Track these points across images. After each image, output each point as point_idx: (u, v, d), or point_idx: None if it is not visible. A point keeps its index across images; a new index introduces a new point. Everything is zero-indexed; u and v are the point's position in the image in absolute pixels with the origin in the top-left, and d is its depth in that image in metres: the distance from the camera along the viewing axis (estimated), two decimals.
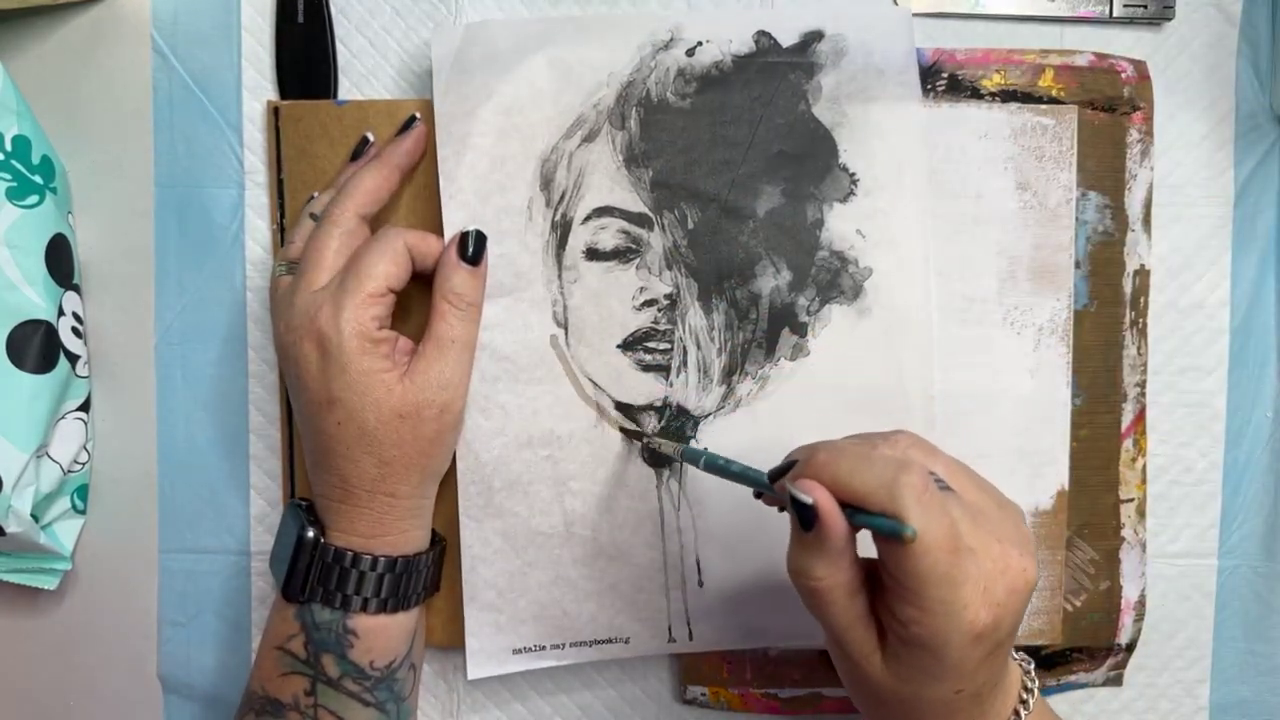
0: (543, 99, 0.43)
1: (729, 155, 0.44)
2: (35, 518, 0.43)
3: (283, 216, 0.45)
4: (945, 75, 0.46)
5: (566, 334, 0.44)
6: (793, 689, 0.47)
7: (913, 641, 0.32)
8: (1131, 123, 0.46)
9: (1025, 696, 0.36)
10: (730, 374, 0.44)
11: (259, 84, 0.47)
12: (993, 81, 0.46)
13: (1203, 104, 0.48)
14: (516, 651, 0.45)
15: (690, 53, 0.44)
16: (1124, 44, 0.47)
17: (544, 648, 0.45)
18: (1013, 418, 0.46)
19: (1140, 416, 0.47)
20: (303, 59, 0.46)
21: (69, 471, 0.45)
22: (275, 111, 0.45)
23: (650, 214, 0.44)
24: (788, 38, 0.44)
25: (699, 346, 0.44)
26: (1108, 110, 0.46)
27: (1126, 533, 0.47)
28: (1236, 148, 0.48)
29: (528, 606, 0.44)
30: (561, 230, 0.43)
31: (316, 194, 0.44)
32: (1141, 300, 0.47)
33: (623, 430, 0.44)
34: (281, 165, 0.45)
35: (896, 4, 0.47)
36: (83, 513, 0.47)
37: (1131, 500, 0.47)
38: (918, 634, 0.31)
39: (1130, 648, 0.48)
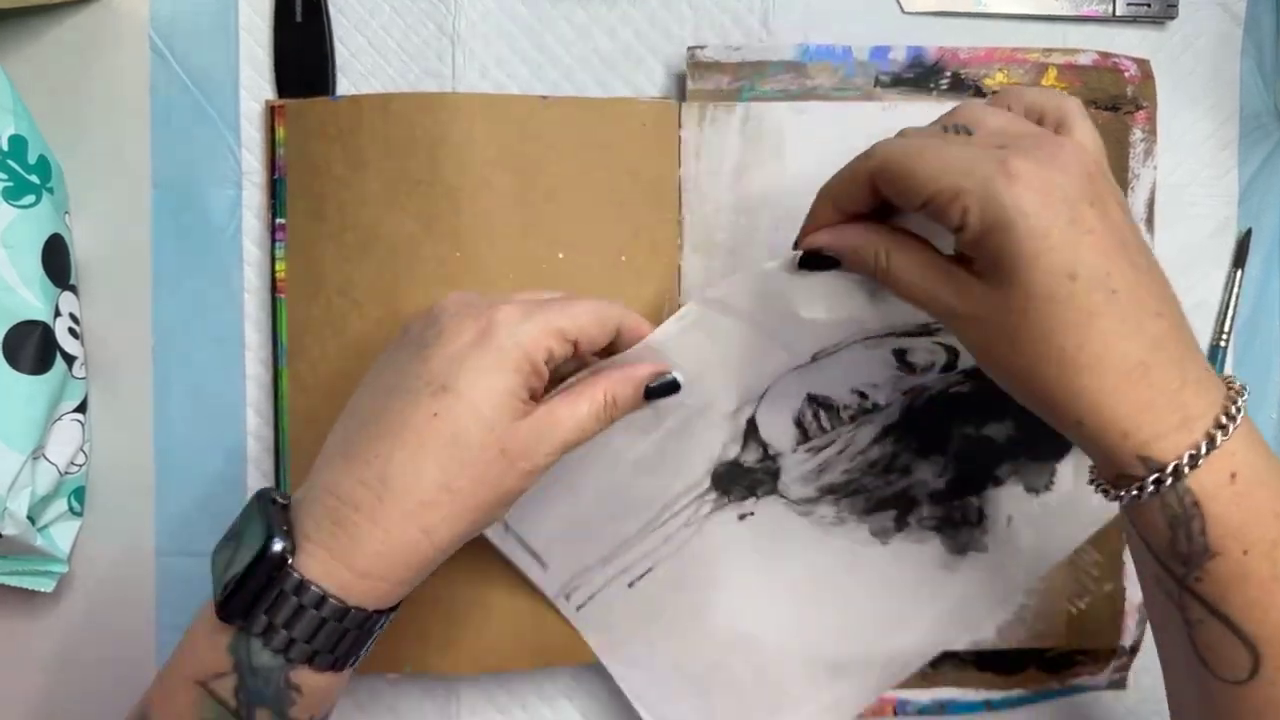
0: None
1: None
2: (31, 520, 0.43)
3: (279, 216, 0.45)
4: (948, 74, 0.45)
5: (809, 363, 0.43)
6: None
7: (978, 233, 0.31)
8: (1135, 122, 0.46)
9: (1242, 389, 0.32)
10: (831, 492, 0.45)
11: (257, 83, 0.46)
12: (996, 80, 0.46)
13: (1207, 103, 0.48)
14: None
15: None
16: (1127, 43, 0.47)
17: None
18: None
19: None
20: (301, 58, 0.46)
21: (66, 473, 0.45)
22: (273, 111, 0.45)
23: (944, 356, 0.43)
24: None
25: (840, 452, 0.44)
26: (1111, 109, 0.46)
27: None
28: (1240, 147, 0.48)
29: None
30: (920, 330, 0.41)
31: None
32: None
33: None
34: (279, 165, 0.45)
35: (903, 10, 0.47)
36: (79, 515, 0.47)
37: None
38: (974, 221, 0.31)
39: (1134, 650, 0.47)
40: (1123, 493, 0.32)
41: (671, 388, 0.38)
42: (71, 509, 0.46)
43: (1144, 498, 0.31)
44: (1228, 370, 0.48)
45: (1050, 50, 0.46)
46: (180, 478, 0.47)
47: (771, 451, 0.44)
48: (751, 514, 0.44)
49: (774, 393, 0.43)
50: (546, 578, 0.44)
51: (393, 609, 0.35)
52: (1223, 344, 0.48)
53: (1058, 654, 0.47)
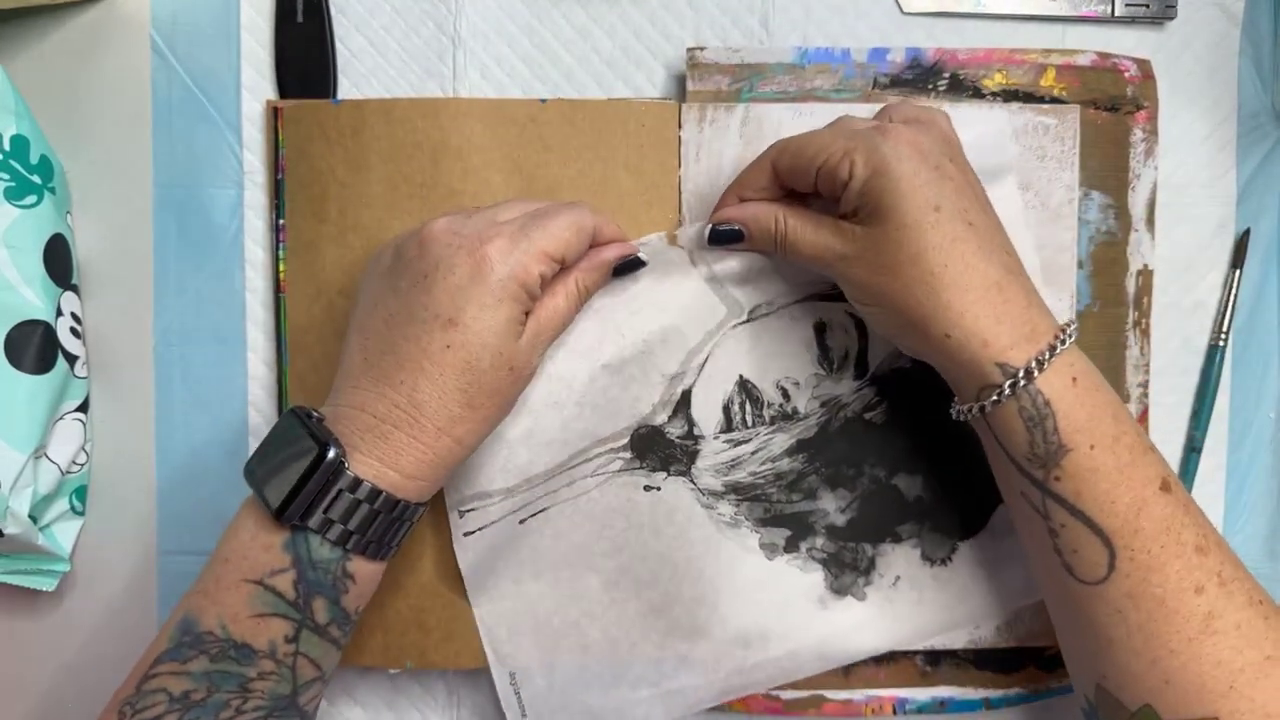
0: None
1: (940, 431, 0.43)
2: (33, 519, 0.43)
3: (281, 217, 0.45)
4: (947, 75, 0.45)
5: (745, 321, 0.44)
6: (794, 690, 0.46)
7: (864, 180, 0.37)
8: (1135, 122, 0.46)
9: (1048, 351, 0.36)
10: (734, 492, 0.45)
11: (258, 84, 0.46)
12: (994, 81, 0.46)
13: (1205, 104, 0.48)
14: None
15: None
16: (1126, 43, 0.47)
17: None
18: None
19: (1143, 417, 0.47)
20: (302, 59, 0.46)
21: (67, 472, 0.45)
22: (274, 112, 0.45)
23: (871, 373, 0.45)
24: None
25: (753, 454, 0.45)
26: (1110, 110, 0.46)
27: None
28: (1239, 147, 0.48)
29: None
30: (838, 292, 0.42)
31: None
32: (1144, 300, 0.47)
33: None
34: (280, 165, 0.45)
35: (902, 10, 0.47)
36: (81, 514, 0.47)
37: None
38: (860, 169, 0.37)
39: None
40: (985, 403, 0.37)
41: (637, 263, 0.42)
42: (73, 508, 0.46)
43: (1003, 401, 0.36)
44: (1227, 370, 0.48)
45: (1049, 51, 0.46)
46: (182, 477, 0.47)
47: (696, 432, 0.44)
48: (658, 489, 0.44)
49: (711, 367, 0.44)
50: (452, 494, 0.44)
51: (426, 502, 0.39)
52: (1221, 344, 0.48)
53: (1056, 652, 0.47)
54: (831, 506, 0.45)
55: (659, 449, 0.44)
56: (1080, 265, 0.46)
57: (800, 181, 0.40)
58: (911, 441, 0.42)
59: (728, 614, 0.45)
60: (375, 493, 0.36)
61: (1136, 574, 0.36)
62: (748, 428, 0.45)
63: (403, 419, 0.36)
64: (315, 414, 0.37)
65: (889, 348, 0.45)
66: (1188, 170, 0.48)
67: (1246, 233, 0.48)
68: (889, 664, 0.47)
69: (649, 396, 0.44)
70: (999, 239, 0.37)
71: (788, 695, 0.46)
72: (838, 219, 0.39)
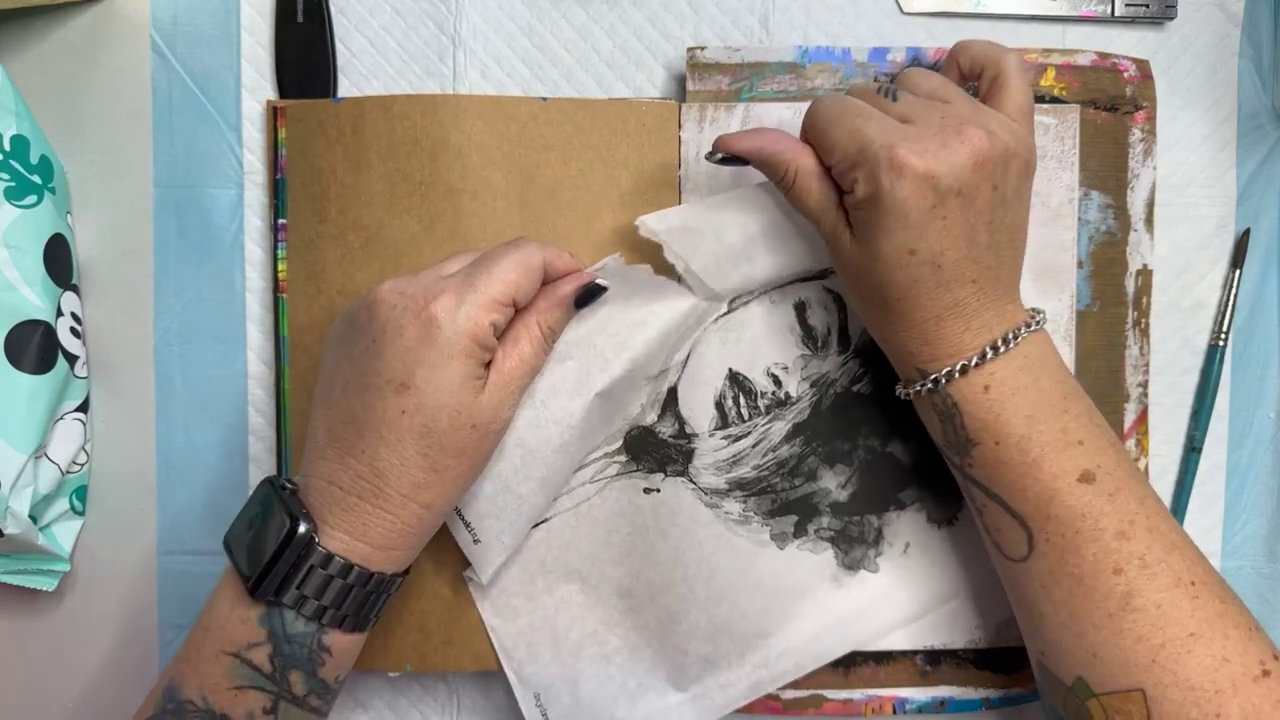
0: None
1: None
2: (34, 519, 0.43)
3: (281, 216, 0.45)
4: None
5: (724, 317, 0.44)
6: (794, 690, 0.46)
7: (860, 200, 0.37)
8: (1134, 122, 0.46)
9: (1020, 330, 0.38)
10: (739, 488, 0.45)
11: (258, 84, 0.46)
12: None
13: (1205, 104, 0.48)
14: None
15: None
16: (1126, 43, 0.47)
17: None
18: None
19: (1143, 417, 0.47)
20: (302, 59, 0.46)
21: (67, 472, 0.45)
22: (275, 111, 0.45)
23: (853, 346, 0.45)
24: None
25: (753, 447, 0.45)
26: (1110, 110, 0.46)
27: None
28: (1239, 147, 0.48)
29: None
30: (815, 272, 0.44)
31: None
32: (1144, 300, 0.47)
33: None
34: (280, 165, 0.45)
35: (902, 10, 0.47)
36: (81, 514, 0.47)
37: None
38: (861, 190, 0.37)
39: None
40: (908, 390, 0.40)
41: (597, 291, 0.40)
42: (73, 508, 0.46)
43: (921, 394, 0.39)
44: (1227, 370, 0.48)
45: (1049, 51, 0.46)
46: (182, 477, 0.47)
47: (688, 429, 0.44)
48: (657, 490, 0.44)
49: (695, 363, 0.44)
50: (480, 553, 0.43)
51: (407, 570, 0.39)
52: (1221, 344, 0.48)
53: None
54: (832, 484, 0.45)
55: (652, 450, 0.44)
56: (1080, 265, 0.46)
57: (823, 156, 0.39)
58: (901, 407, 0.42)
59: (747, 608, 0.45)
60: (347, 567, 0.36)
61: (1053, 554, 0.38)
62: (744, 421, 0.45)
63: (366, 489, 0.36)
64: (289, 485, 0.38)
65: None
66: (1188, 170, 0.48)
67: (1246, 233, 0.48)
68: (889, 664, 0.47)
69: (636, 399, 0.44)
70: (969, 271, 0.37)
71: (788, 695, 0.46)
72: (840, 208, 0.39)
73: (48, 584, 0.46)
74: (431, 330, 0.36)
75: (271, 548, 0.36)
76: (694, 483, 0.45)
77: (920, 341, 0.38)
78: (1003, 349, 0.38)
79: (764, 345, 0.45)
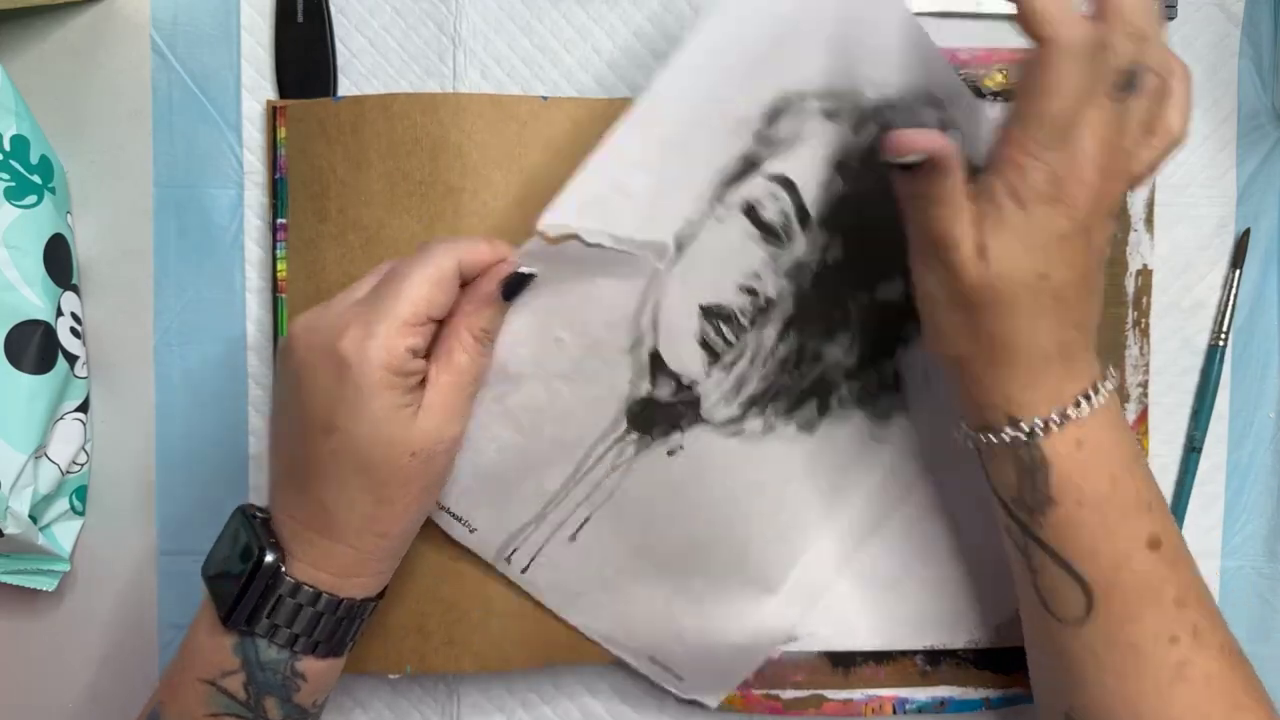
0: (819, 46, 0.40)
1: (891, 229, 0.41)
2: (34, 519, 0.43)
3: (281, 216, 0.45)
4: None
5: (676, 259, 0.41)
6: (795, 690, 0.46)
7: (1022, 188, 0.34)
8: None
9: (1107, 382, 0.37)
10: (753, 404, 0.44)
11: (258, 84, 0.46)
12: (995, 81, 0.46)
13: (1205, 104, 0.48)
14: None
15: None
16: None
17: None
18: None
19: (1143, 417, 0.47)
20: (302, 59, 0.46)
21: (67, 472, 0.45)
22: (274, 111, 0.45)
23: (814, 220, 0.43)
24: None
25: (751, 362, 0.44)
26: None
27: None
28: (1239, 148, 0.48)
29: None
30: (745, 167, 0.41)
31: None
32: (1144, 300, 0.47)
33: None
34: (280, 165, 0.45)
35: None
36: (81, 514, 0.47)
37: None
38: (1034, 172, 0.34)
39: None
40: (984, 439, 0.37)
41: (523, 279, 0.37)
42: (73, 508, 0.46)
43: (1004, 446, 0.37)
44: (1227, 370, 0.48)
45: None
46: (182, 477, 0.47)
47: (686, 381, 0.43)
48: (681, 448, 0.43)
49: (666, 317, 0.42)
50: (478, 541, 0.43)
51: (380, 595, 0.39)
52: (1221, 344, 0.48)
53: None
54: (839, 354, 0.45)
55: (659, 416, 0.43)
56: None
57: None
58: (879, 251, 0.41)
59: (806, 499, 0.45)
60: (315, 595, 0.36)
61: (1113, 621, 0.36)
62: (734, 345, 0.43)
63: (320, 524, 0.36)
64: (260, 514, 0.38)
65: (823, 186, 0.42)
66: (1188, 170, 0.48)
67: (1246, 233, 0.48)
68: (889, 664, 0.47)
69: (621, 376, 0.42)
70: (1073, 313, 0.36)
71: (788, 695, 0.46)
72: (971, 244, 0.36)
73: (47, 584, 0.46)
74: (343, 370, 0.34)
75: (241, 578, 0.36)
76: (710, 422, 0.44)
77: (1022, 385, 0.36)
78: (1095, 401, 0.36)
79: (727, 266, 0.42)
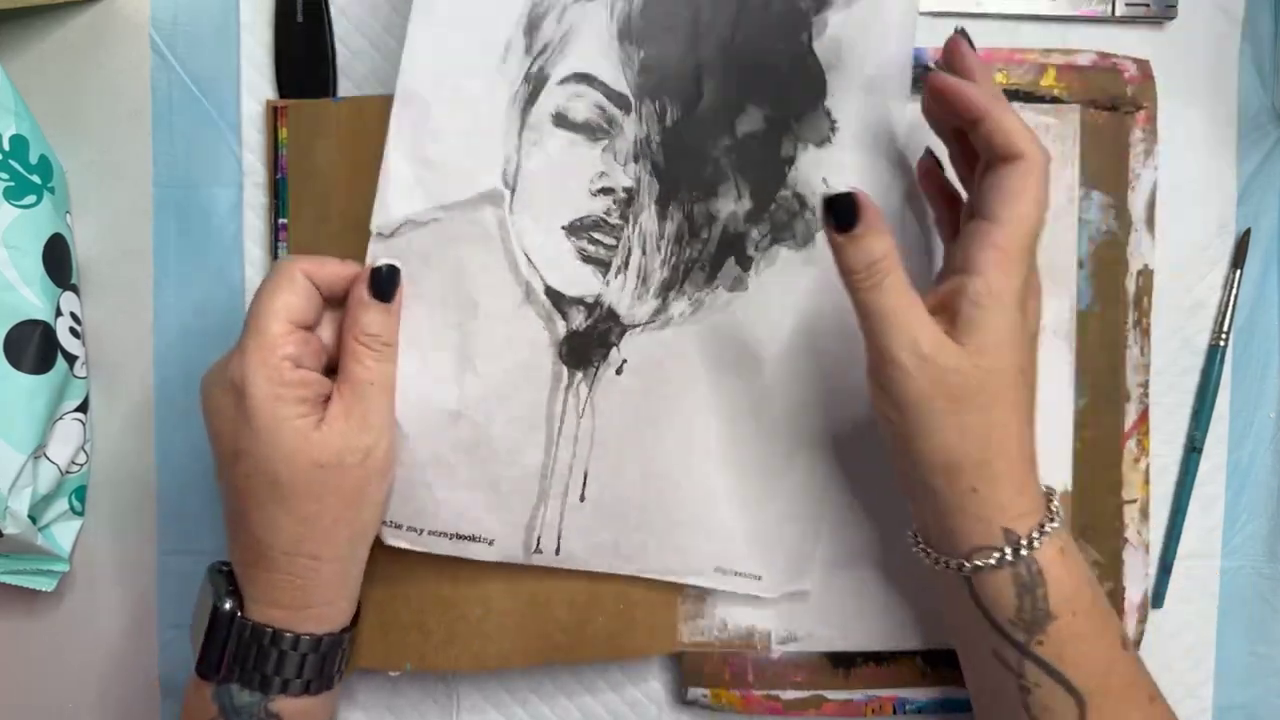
0: None
1: (722, 62, 0.42)
2: (33, 519, 0.43)
3: (280, 217, 0.45)
4: None
5: (512, 198, 0.41)
6: (795, 690, 0.46)
7: (1007, 291, 0.35)
8: (1135, 122, 0.46)
9: (1045, 524, 0.36)
10: (668, 289, 0.43)
11: (258, 84, 0.46)
12: (995, 81, 0.46)
13: (1206, 104, 0.48)
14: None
15: None
16: (1127, 43, 0.47)
17: (400, 526, 0.42)
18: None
19: (1143, 417, 0.47)
20: (302, 59, 0.46)
21: (67, 472, 0.45)
22: (275, 111, 0.45)
23: (631, 97, 0.42)
24: None
25: (644, 252, 0.43)
26: (1110, 110, 0.46)
27: (1129, 534, 0.47)
28: (1240, 147, 0.48)
29: (396, 481, 0.42)
30: (535, 85, 0.41)
31: None
32: (1145, 300, 0.47)
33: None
34: (280, 165, 0.45)
35: None
36: (81, 514, 0.47)
37: (1134, 501, 0.47)
38: (1017, 278, 0.35)
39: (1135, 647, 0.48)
40: (978, 563, 0.36)
41: (390, 273, 0.39)
42: (73, 508, 0.46)
43: (1001, 566, 0.36)
44: (1227, 370, 0.48)
45: (1050, 51, 0.46)
46: (181, 477, 0.47)
47: (589, 300, 0.43)
48: (625, 361, 0.43)
49: (539, 255, 0.42)
50: (501, 551, 0.43)
51: (346, 628, 0.40)
52: (1221, 344, 0.48)
53: None
54: (731, 204, 0.43)
55: (589, 343, 0.43)
56: (1080, 265, 0.46)
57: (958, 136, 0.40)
58: (718, 92, 0.40)
59: (763, 354, 0.43)
60: (275, 635, 0.37)
61: None
62: (617, 245, 0.43)
63: (257, 558, 0.37)
64: (225, 567, 0.39)
65: (623, 64, 0.42)
66: (1188, 170, 0.48)
67: (1247, 233, 0.48)
68: (889, 664, 0.47)
69: (533, 326, 0.42)
70: (1032, 414, 0.37)
71: (788, 695, 0.46)
72: (931, 306, 0.36)
73: (47, 584, 0.46)
74: (237, 394, 0.36)
75: (204, 628, 0.38)
76: (636, 325, 0.43)
77: (1015, 490, 0.36)
78: (1058, 508, 0.37)
79: (566, 179, 0.42)
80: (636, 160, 0.42)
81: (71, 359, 0.45)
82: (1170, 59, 0.47)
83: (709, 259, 0.43)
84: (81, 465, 0.46)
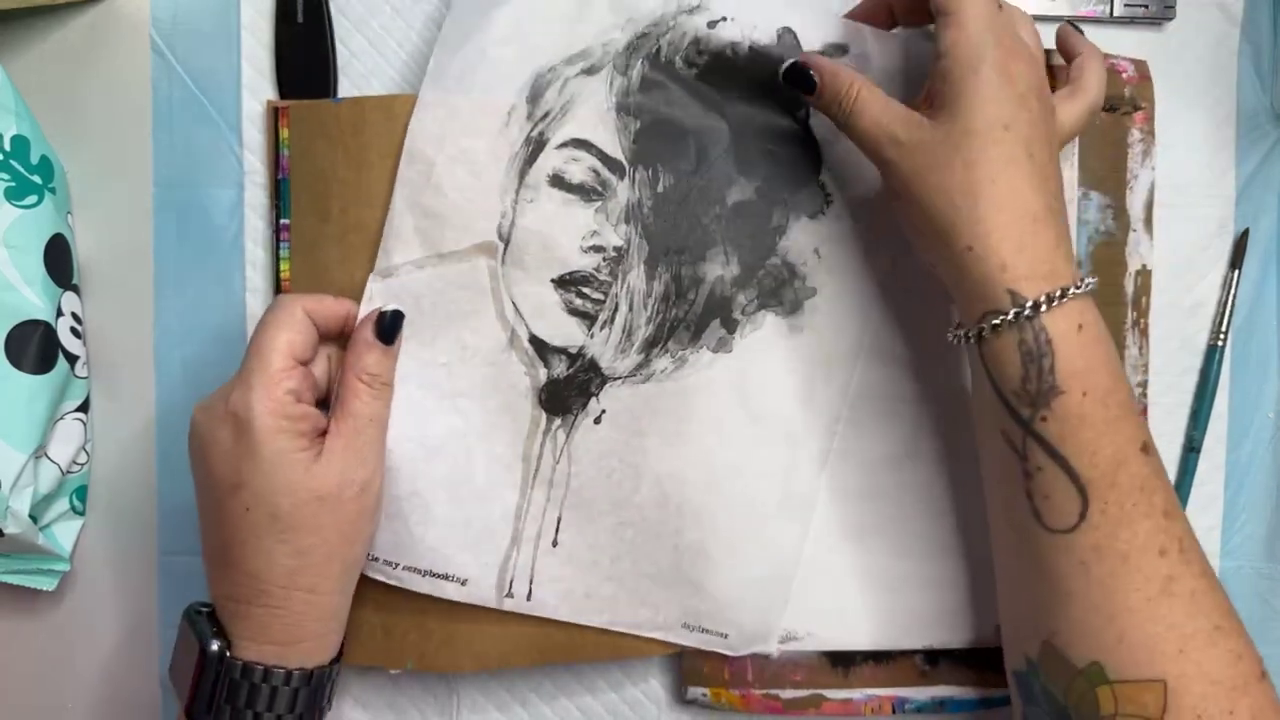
0: (556, 20, 0.43)
1: (716, 136, 0.44)
2: (34, 519, 0.43)
3: (281, 217, 0.45)
4: None
5: (505, 250, 0.43)
6: (794, 690, 0.46)
7: (972, 57, 0.36)
8: (1133, 123, 0.46)
9: (1062, 292, 0.36)
10: (652, 345, 0.44)
11: (258, 84, 0.46)
12: None
13: (1204, 104, 0.48)
14: None
15: (712, 25, 0.43)
16: (1125, 44, 0.47)
17: (376, 559, 0.43)
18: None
19: (1142, 417, 0.47)
20: (302, 59, 0.46)
21: (68, 472, 0.45)
22: (275, 112, 0.45)
23: (625, 163, 0.43)
24: (811, 42, 0.43)
25: (630, 309, 0.44)
26: (1109, 110, 0.46)
27: None
28: (1238, 148, 0.48)
29: None
30: (534, 147, 0.43)
31: None
32: (1143, 301, 0.47)
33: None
34: (283, 165, 0.45)
35: None
36: (81, 514, 0.47)
37: None
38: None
39: None
40: (984, 327, 0.36)
41: (395, 317, 0.41)
42: (73, 508, 0.46)
43: (1004, 329, 0.36)
44: (1226, 370, 0.48)
45: (1048, 51, 0.46)
46: (182, 477, 0.46)
47: (572, 351, 0.44)
48: (604, 411, 0.44)
49: (525, 305, 0.43)
50: (474, 592, 0.44)
51: (335, 659, 0.40)
52: (1220, 344, 0.48)
53: None
54: (719, 269, 0.44)
55: (568, 391, 0.44)
56: (1079, 265, 0.46)
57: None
58: (713, 164, 0.42)
59: (740, 417, 0.44)
60: (265, 672, 0.37)
61: (1106, 527, 0.36)
62: (604, 300, 0.44)
63: (249, 594, 0.37)
64: (205, 608, 0.39)
65: (620, 131, 0.43)
66: (1187, 170, 0.48)
67: (1245, 233, 0.48)
68: (889, 664, 0.47)
69: (515, 371, 0.43)
70: (1053, 183, 0.37)
71: (787, 695, 0.46)
72: (906, 107, 0.38)
73: (48, 584, 0.46)
74: (237, 425, 0.37)
75: (191, 672, 0.37)
76: (617, 378, 0.44)
77: (1015, 248, 0.36)
78: (1090, 283, 0.36)
79: (558, 235, 0.43)
80: (628, 221, 0.44)
81: (72, 359, 0.45)
82: (1168, 59, 0.47)
83: (694, 320, 0.44)
84: (82, 465, 0.46)
